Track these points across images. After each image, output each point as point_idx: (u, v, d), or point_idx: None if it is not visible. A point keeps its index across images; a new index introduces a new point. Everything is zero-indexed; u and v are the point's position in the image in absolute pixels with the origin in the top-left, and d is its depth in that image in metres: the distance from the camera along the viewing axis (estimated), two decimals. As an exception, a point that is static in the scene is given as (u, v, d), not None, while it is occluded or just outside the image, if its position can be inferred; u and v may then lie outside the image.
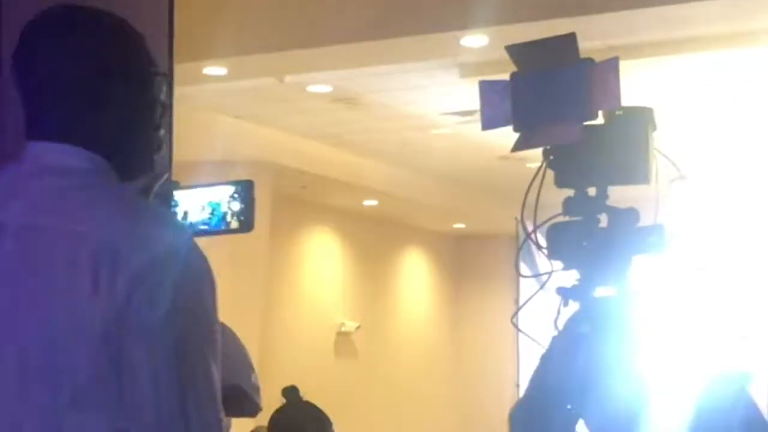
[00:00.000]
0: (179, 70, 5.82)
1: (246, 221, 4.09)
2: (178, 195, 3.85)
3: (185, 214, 3.92)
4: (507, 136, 2.67)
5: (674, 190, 3.16)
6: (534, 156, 2.71)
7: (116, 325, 1.74)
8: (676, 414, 3.07)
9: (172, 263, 1.79)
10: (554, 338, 2.69)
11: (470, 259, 14.23)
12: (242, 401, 4.66)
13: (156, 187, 2.15)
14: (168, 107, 2.06)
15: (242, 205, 4.08)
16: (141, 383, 1.75)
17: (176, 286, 1.79)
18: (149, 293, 1.75)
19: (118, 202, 1.88)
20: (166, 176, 3.22)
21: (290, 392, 3.98)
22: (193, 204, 3.89)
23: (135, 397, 1.75)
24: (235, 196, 4.11)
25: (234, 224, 4.03)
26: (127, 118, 1.96)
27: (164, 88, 2.03)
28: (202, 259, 1.88)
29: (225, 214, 4.02)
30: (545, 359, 2.69)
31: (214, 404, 1.86)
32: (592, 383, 2.64)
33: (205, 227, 3.73)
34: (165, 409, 1.77)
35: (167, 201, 2.98)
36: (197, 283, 1.85)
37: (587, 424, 2.65)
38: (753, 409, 3.41)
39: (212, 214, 3.83)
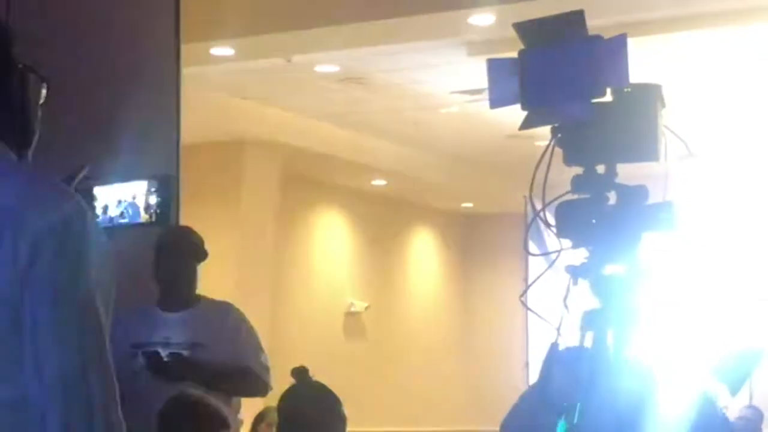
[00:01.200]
0: (186, 50, 5.83)
1: (162, 214, 4.14)
2: (97, 190, 3.91)
3: (104, 208, 3.98)
4: (515, 114, 2.66)
5: (684, 168, 3.15)
6: (543, 134, 2.70)
7: (19, 286, 1.79)
8: (684, 395, 3.06)
9: (73, 227, 1.84)
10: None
11: (479, 238, 14.22)
12: (252, 381, 4.67)
13: (76, 182, 2.17)
14: (35, 104, 2.06)
15: (159, 199, 4.13)
16: (44, 341, 1.80)
17: (78, 248, 1.84)
18: (52, 255, 1.80)
19: (16, 170, 1.93)
20: (85, 171, 3.25)
21: (300, 373, 3.98)
22: (111, 198, 3.95)
23: (38, 357, 1.79)
24: (152, 190, 4.15)
25: (150, 217, 4.09)
26: None
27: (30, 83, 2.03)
28: (100, 230, 1.94)
29: (142, 207, 4.09)
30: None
31: (110, 368, 1.87)
32: (599, 371, 2.63)
33: (124, 221, 3.79)
34: (69, 369, 1.80)
35: (86, 196, 3.00)
36: (98, 248, 1.89)
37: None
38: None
39: (129, 208, 3.90)
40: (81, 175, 3.14)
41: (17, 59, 2.04)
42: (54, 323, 1.80)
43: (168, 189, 4.43)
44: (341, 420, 3.92)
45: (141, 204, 4.42)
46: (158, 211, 4.47)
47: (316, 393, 3.97)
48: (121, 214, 3.98)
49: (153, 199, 4.45)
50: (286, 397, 4.00)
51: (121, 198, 4.01)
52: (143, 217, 4.35)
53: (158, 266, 4.66)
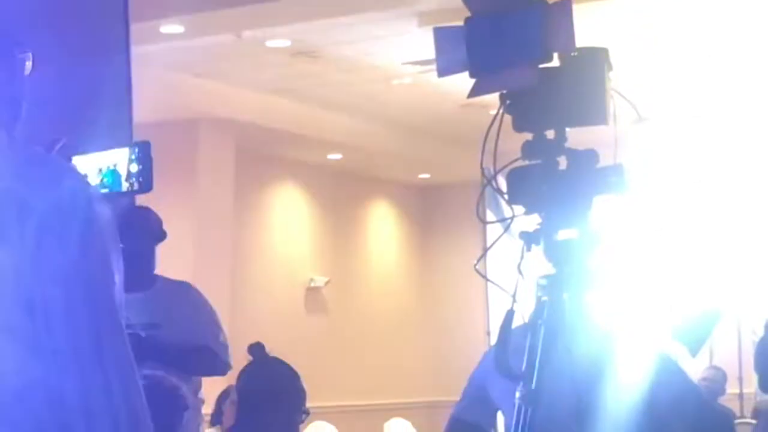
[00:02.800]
0: (136, 29, 5.78)
1: (145, 182, 4.10)
2: (75, 160, 3.87)
3: (84, 177, 3.93)
4: (468, 83, 2.66)
5: (635, 132, 3.17)
6: (496, 103, 2.70)
7: (29, 270, 1.76)
8: (642, 357, 3.08)
9: (77, 202, 1.82)
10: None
11: (437, 209, 14.24)
12: (211, 360, 4.67)
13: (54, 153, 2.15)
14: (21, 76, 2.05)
15: (140, 167, 4.09)
16: (58, 321, 1.77)
17: (84, 223, 1.81)
18: (59, 234, 1.78)
19: (10, 149, 1.90)
20: (63, 141, 3.23)
21: (256, 349, 3.98)
22: (90, 168, 3.91)
23: (52, 341, 1.76)
24: (133, 158, 4.11)
25: (132, 185, 4.04)
26: None
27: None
28: (104, 203, 1.91)
29: (123, 176, 4.04)
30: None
31: (127, 347, 1.85)
32: (555, 336, 2.65)
33: (105, 190, 3.75)
34: (84, 350, 1.77)
35: None
36: (105, 227, 1.87)
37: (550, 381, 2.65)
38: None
39: (110, 177, 3.85)
40: (58, 147, 3.11)
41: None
42: (66, 302, 1.77)
43: (148, 156, 4.39)
44: (300, 395, 3.93)
45: (123, 173, 4.37)
46: (140, 179, 4.43)
47: (273, 368, 3.97)
48: (102, 184, 3.93)
49: (134, 167, 4.40)
50: (243, 374, 4.00)
51: (101, 166, 3.94)
52: (124, 185, 4.30)
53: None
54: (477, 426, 3.28)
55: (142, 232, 4.66)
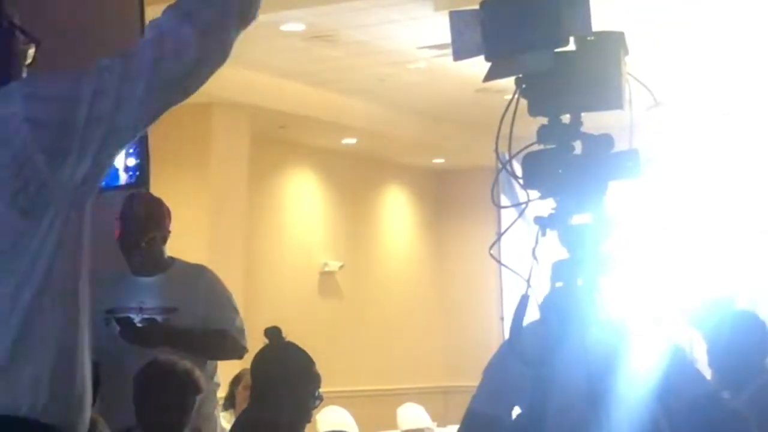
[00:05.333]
0: (150, 13, 5.77)
1: (141, 176, 4.08)
2: None
3: None
4: (483, 68, 2.65)
5: (651, 117, 3.15)
6: (511, 87, 2.69)
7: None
8: (655, 346, 3.07)
9: None
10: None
11: (451, 194, 14.22)
12: (227, 344, 4.67)
13: None
14: (19, 62, 2.11)
15: (137, 161, 4.07)
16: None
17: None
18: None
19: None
20: None
21: (272, 333, 3.98)
22: None
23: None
24: (130, 151, 4.09)
25: (129, 179, 4.02)
26: None
27: None
28: None
29: (120, 169, 4.02)
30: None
31: None
32: (569, 322, 2.64)
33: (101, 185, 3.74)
34: None
35: None
36: None
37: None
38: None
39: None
40: None
41: (5, 15, 2.04)
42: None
43: (145, 150, 4.38)
44: (314, 380, 3.93)
45: (120, 166, 4.37)
46: (137, 172, 4.43)
47: (289, 353, 3.97)
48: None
49: (131, 161, 4.40)
50: (259, 358, 4.01)
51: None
52: (122, 177, 4.29)
53: (125, 233, 4.60)
54: (496, 417, 3.27)
55: (151, 220, 4.64)
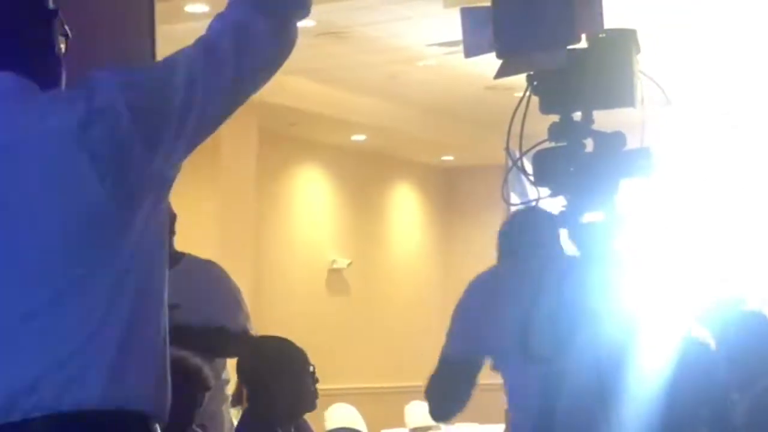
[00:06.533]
0: (160, 9, 5.76)
1: None
2: None
3: None
4: (493, 65, 2.65)
5: (662, 115, 3.14)
6: (521, 85, 2.68)
7: None
8: (665, 343, 3.06)
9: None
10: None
11: (460, 191, 14.21)
12: (233, 341, 4.65)
13: None
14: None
15: None
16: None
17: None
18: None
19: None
20: None
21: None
22: None
23: None
24: None
25: None
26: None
27: None
28: None
29: None
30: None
31: None
32: (580, 319, 2.63)
33: None
34: None
35: None
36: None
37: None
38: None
39: None
40: None
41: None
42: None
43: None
44: (297, 359, 3.95)
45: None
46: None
47: (264, 346, 3.99)
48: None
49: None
50: (238, 362, 4.04)
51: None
52: None
53: None
54: (470, 363, 3.25)
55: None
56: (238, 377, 4.12)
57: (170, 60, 2.10)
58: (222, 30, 2.13)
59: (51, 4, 2.16)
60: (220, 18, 2.15)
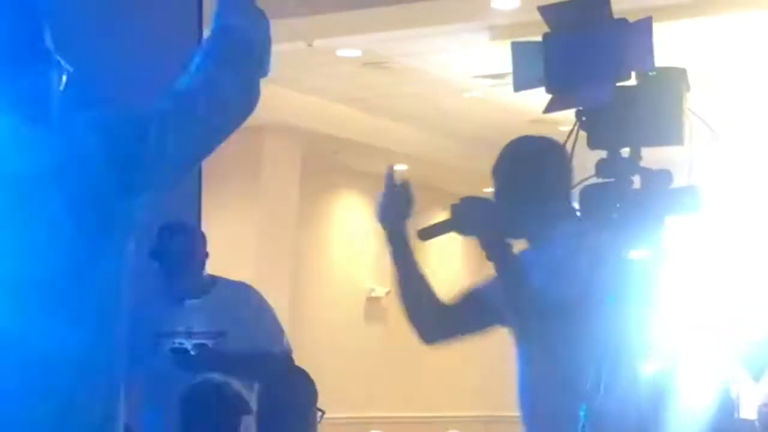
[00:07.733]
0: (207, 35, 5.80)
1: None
2: None
3: None
4: (539, 99, 2.65)
5: (709, 153, 3.13)
6: (566, 119, 2.69)
7: None
8: (706, 385, 3.04)
9: None
10: None
11: (500, 224, 14.17)
12: (273, 367, 4.65)
13: None
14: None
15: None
16: None
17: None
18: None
19: None
20: None
21: None
22: None
23: None
24: None
25: None
26: None
27: None
28: None
29: None
30: None
31: None
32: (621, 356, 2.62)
33: None
34: None
35: None
36: None
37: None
38: None
39: None
40: None
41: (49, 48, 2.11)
42: None
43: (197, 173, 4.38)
44: (307, 394, 3.96)
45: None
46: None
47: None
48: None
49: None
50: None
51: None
52: None
53: (162, 267, 4.55)
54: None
55: (191, 233, 4.64)
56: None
57: (146, 111, 2.19)
58: (192, 85, 2.24)
59: (48, 42, 2.19)
60: (188, 74, 2.26)
